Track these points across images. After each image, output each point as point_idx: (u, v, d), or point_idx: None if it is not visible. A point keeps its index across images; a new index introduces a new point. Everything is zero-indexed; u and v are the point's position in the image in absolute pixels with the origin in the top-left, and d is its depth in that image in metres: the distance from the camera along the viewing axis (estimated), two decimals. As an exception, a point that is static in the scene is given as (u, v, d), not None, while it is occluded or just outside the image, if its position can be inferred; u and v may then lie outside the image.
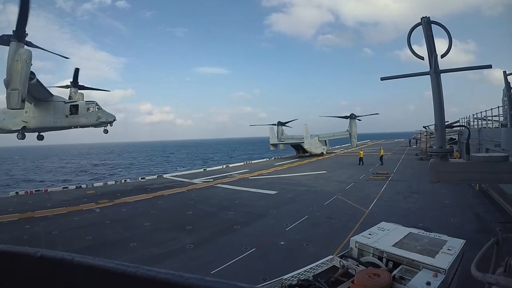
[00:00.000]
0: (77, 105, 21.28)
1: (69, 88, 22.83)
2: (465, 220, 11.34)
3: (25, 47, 16.52)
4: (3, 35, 16.29)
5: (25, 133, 21.18)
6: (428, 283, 3.96)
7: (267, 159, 41.13)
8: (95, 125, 22.21)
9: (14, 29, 16.27)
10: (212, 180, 23.53)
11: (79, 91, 22.76)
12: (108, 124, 22.36)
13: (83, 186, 22.98)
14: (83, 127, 22.37)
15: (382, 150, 30.78)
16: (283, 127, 43.11)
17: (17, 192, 20.30)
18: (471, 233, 9.35)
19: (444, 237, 5.48)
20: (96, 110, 21.84)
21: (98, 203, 16.31)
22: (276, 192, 18.04)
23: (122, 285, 0.55)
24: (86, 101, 21.74)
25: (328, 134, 42.26)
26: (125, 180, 26.01)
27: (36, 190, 20.96)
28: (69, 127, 22.07)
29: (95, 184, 23.56)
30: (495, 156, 6.21)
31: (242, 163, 36.23)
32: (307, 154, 40.27)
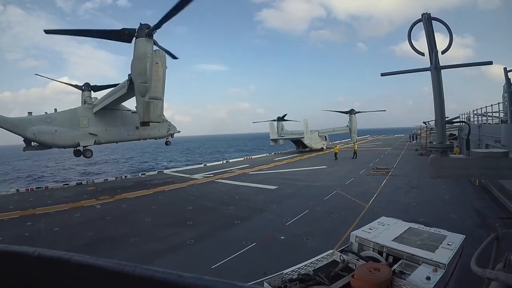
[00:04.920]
0: None
1: (81, 91, 20.10)
2: (465, 215, 11.38)
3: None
4: (147, 25, 13.71)
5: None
6: (428, 278, 3.98)
7: (267, 154, 41.15)
8: (162, 137, 20.94)
9: (154, 24, 13.66)
10: (213, 175, 23.57)
11: (93, 93, 20.17)
12: (171, 136, 21.53)
13: (84, 182, 23.00)
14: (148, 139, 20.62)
15: (356, 146, 33.59)
16: (283, 122, 43.14)
17: (17, 190, 20.28)
18: (471, 228, 9.38)
19: (444, 232, 5.50)
20: (165, 121, 20.22)
21: (99, 199, 16.34)
22: (276, 187, 18.08)
23: (119, 284, 0.55)
24: None
25: (328, 129, 42.29)
26: (125, 176, 26.04)
27: (37, 187, 21.00)
28: (138, 140, 20.29)
29: (96, 181, 23.60)
30: (495, 152, 6.20)
31: (242, 158, 36.28)
32: (307, 149, 40.32)
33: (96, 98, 20.25)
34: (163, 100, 15.15)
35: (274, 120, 42.58)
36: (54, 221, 12.41)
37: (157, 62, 14.13)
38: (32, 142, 17.02)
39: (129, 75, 15.27)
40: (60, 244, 9.91)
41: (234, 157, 41.20)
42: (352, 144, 35.70)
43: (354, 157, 31.02)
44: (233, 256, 8.48)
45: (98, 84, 20.48)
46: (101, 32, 14.24)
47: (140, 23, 14.04)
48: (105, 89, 20.64)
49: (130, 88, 15.40)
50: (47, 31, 14.37)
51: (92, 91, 20.15)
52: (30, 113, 16.89)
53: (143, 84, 14.15)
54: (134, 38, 14.09)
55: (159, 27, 13.97)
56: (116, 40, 14.08)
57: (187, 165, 39.49)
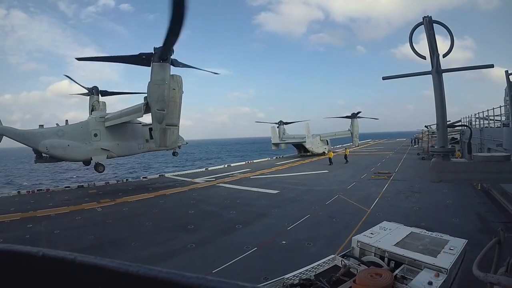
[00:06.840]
0: None
1: (89, 96, 19.88)
2: (467, 219, 11.30)
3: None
4: (160, 48, 13.39)
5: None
6: (430, 283, 3.95)
7: (269, 158, 41.11)
8: (171, 149, 20.72)
9: (163, 47, 13.33)
10: (214, 179, 23.54)
11: (101, 98, 19.97)
12: (178, 147, 21.49)
13: (85, 185, 22.99)
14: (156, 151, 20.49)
15: (347, 150, 33.89)
16: (284, 126, 43.16)
17: (19, 191, 20.33)
18: (473, 233, 9.31)
19: (446, 236, 5.46)
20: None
21: (100, 202, 16.32)
22: (277, 191, 18.03)
23: (124, 284, 0.55)
24: None
25: (330, 133, 42.28)
26: (126, 179, 26.05)
27: (38, 190, 20.99)
28: (147, 152, 20.27)
29: (97, 184, 23.57)
30: (496, 156, 6.18)
31: (244, 163, 36.25)
32: (308, 154, 40.29)
33: (104, 102, 20.24)
34: (179, 126, 15.04)
35: (277, 124, 42.64)
36: (54, 224, 12.40)
37: (174, 88, 14.01)
38: (43, 154, 17.13)
39: (145, 98, 15.13)
40: (60, 247, 9.80)
41: (236, 161, 41.16)
42: (352, 148, 35.70)
43: (345, 162, 31.16)
44: (234, 260, 8.44)
45: (100, 84, 20.36)
46: (125, 57, 14.34)
47: (154, 47, 13.75)
48: (115, 94, 20.70)
49: (146, 111, 15.45)
50: (79, 59, 14.65)
51: (99, 96, 20.04)
52: (41, 125, 16.96)
53: (160, 111, 14.07)
54: (152, 62, 13.91)
55: (169, 49, 13.65)
56: (137, 64, 14.06)
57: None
